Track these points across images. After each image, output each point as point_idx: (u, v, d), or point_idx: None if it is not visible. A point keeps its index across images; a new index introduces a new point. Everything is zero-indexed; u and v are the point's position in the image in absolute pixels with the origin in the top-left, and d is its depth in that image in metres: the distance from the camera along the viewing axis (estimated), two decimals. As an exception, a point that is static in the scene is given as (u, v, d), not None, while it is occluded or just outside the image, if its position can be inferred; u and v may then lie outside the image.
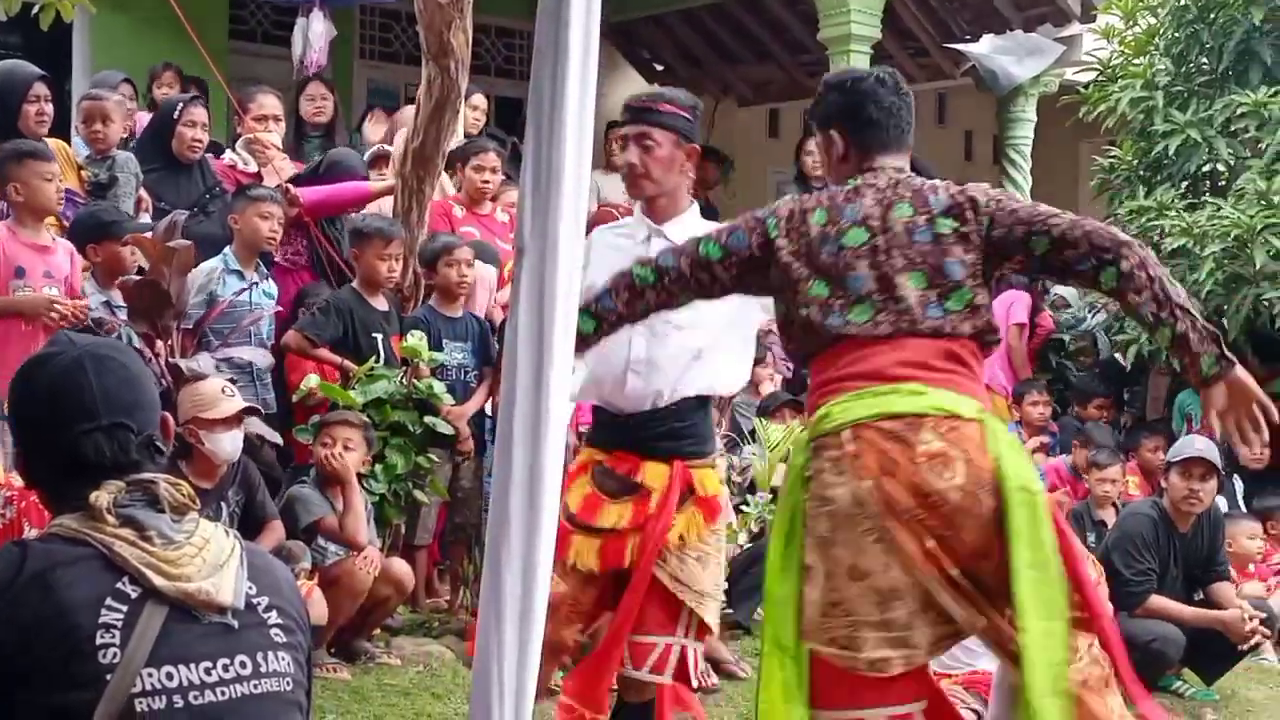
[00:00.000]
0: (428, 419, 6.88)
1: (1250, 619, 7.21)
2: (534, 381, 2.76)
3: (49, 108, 7.17)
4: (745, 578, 7.21)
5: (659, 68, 14.77)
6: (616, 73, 14.36)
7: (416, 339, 7.04)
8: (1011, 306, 10.29)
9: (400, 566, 6.57)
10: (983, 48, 12.45)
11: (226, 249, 7.23)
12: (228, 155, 8.60)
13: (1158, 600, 7.35)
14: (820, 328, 3.94)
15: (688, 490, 4.76)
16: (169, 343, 6.42)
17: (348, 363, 7.12)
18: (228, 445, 5.95)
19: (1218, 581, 7.59)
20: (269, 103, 8.72)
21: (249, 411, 6.11)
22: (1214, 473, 7.48)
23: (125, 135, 8.01)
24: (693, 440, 4.78)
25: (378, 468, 6.70)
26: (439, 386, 6.92)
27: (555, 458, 2.85)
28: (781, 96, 15.09)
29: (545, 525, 2.80)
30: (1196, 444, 7.58)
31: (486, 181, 8.56)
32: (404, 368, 7.04)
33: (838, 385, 3.91)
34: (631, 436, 4.73)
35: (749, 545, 7.45)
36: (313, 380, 6.96)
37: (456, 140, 8.62)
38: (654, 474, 4.71)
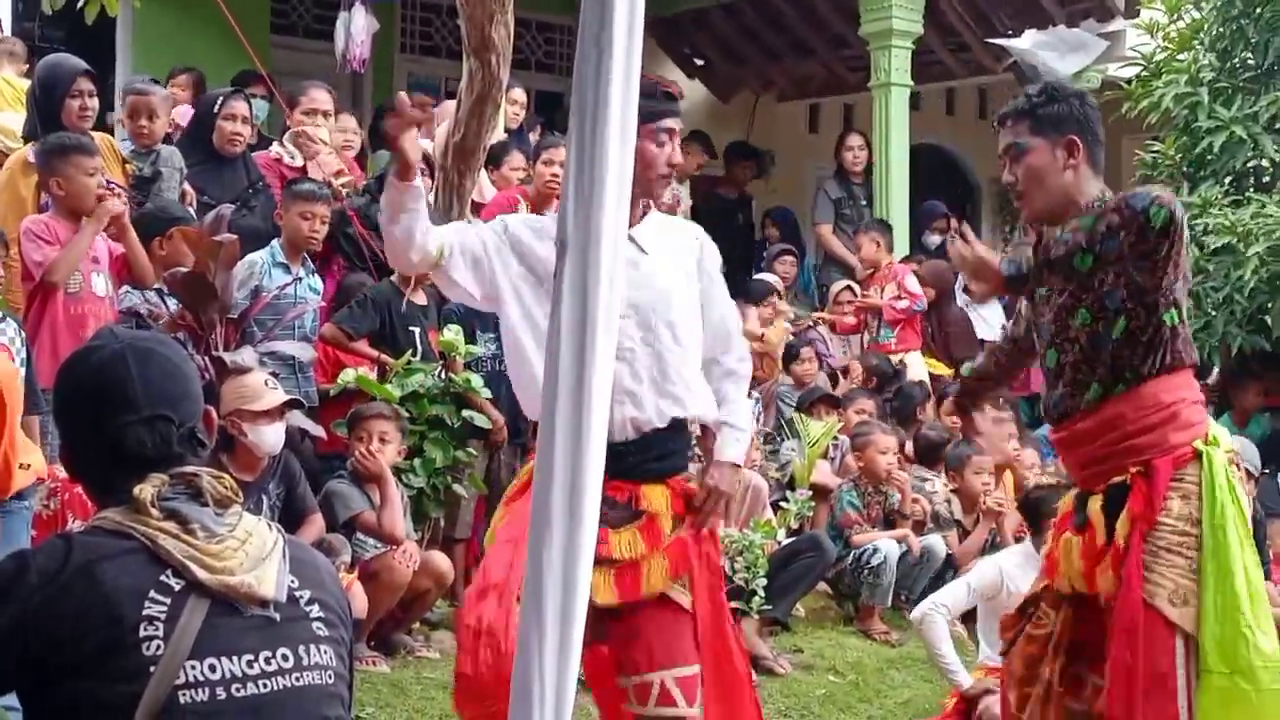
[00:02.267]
0: (465, 412, 6.88)
1: None
2: (576, 379, 2.76)
3: (93, 102, 7.20)
4: (783, 574, 7.20)
5: (699, 62, 14.74)
6: (656, 67, 14.34)
7: (453, 333, 7.06)
8: None
9: (440, 560, 6.58)
10: (1025, 43, 12.38)
11: (274, 242, 7.28)
12: (274, 148, 8.63)
13: None
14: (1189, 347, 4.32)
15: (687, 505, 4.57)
16: (213, 335, 6.45)
17: (385, 356, 7.15)
18: (270, 438, 5.97)
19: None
20: (320, 97, 8.76)
21: (291, 405, 6.14)
22: (1250, 477, 7.43)
23: (170, 130, 8.04)
24: (679, 455, 4.61)
25: (416, 461, 6.71)
26: (476, 380, 6.93)
27: (597, 456, 2.84)
28: (822, 91, 15.03)
29: (587, 525, 2.80)
30: (1249, 451, 7.51)
31: (556, 175, 8.52)
32: (441, 361, 7.06)
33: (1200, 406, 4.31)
34: (624, 464, 4.34)
35: (788, 541, 7.43)
36: (350, 374, 6.98)
37: (497, 135, 8.64)
38: (654, 497, 4.48)
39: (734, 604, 6.80)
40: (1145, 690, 4.11)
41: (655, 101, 4.38)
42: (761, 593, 6.88)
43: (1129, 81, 10.90)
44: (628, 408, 4.40)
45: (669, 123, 4.51)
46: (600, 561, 4.23)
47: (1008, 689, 4.68)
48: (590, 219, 2.76)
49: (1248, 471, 5.42)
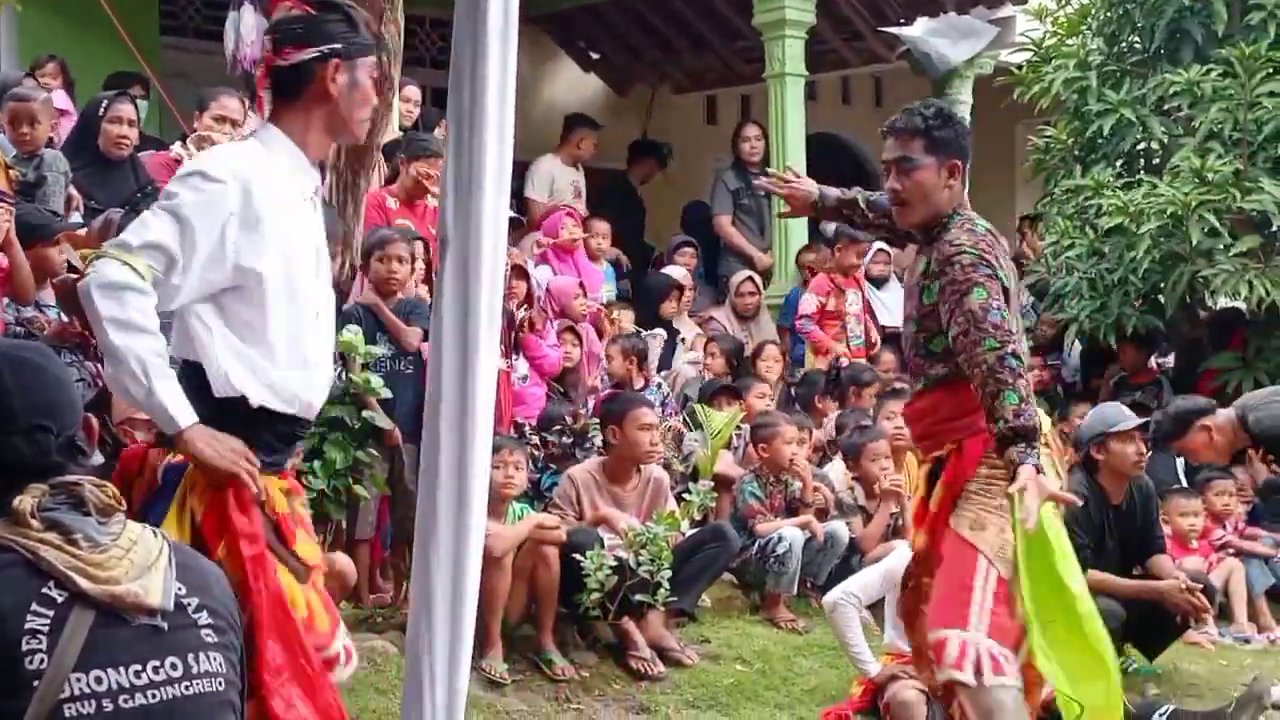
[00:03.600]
0: (365, 413, 6.83)
1: (1187, 590, 7.24)
2: (459, 372, 2.75)
3: None
4: (688, 565, 7.20)
5: (595, 56, 14.74)
6: (553, 63, 14.33)
7: (352, 333, 7.00)
8: None
9: (342, 561, 6.51)
10: (917, 30, 12.48)
11: None
12: (175, 149, 8.53)
13: (1095, 575, 7.37)
14: None
15: None
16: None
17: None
18: None
19: (1155, 555, 7.63)
20: (231, 105, 8.66)
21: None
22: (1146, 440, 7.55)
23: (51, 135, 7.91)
24: None
25: (316, 463, 6.64)
26: (376, 380, 6.88)
27: (483, 448, 2.84)
28: (718, 83, 15.09)
29: (474, 518, 2.79)
30: (1125, 411, 7.61)
31: (434, 178, 8.51)
32: (340, 362, 7.00)
33: None
34: None
35: (692, 532, 7.43)
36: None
37: (391, 133, 8.58)
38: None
39: (640, 596, 6.83)
40: (940, 595, 4.81)
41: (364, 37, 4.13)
42: (667, 584, 6.87)
43: (1020, 67, 11.03)
44: None
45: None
46: None
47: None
48: (470, 215, 2.76)
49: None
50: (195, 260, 3.64)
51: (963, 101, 12.66)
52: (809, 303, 10.59)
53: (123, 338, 3.51)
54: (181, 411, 3.56)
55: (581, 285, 9.42)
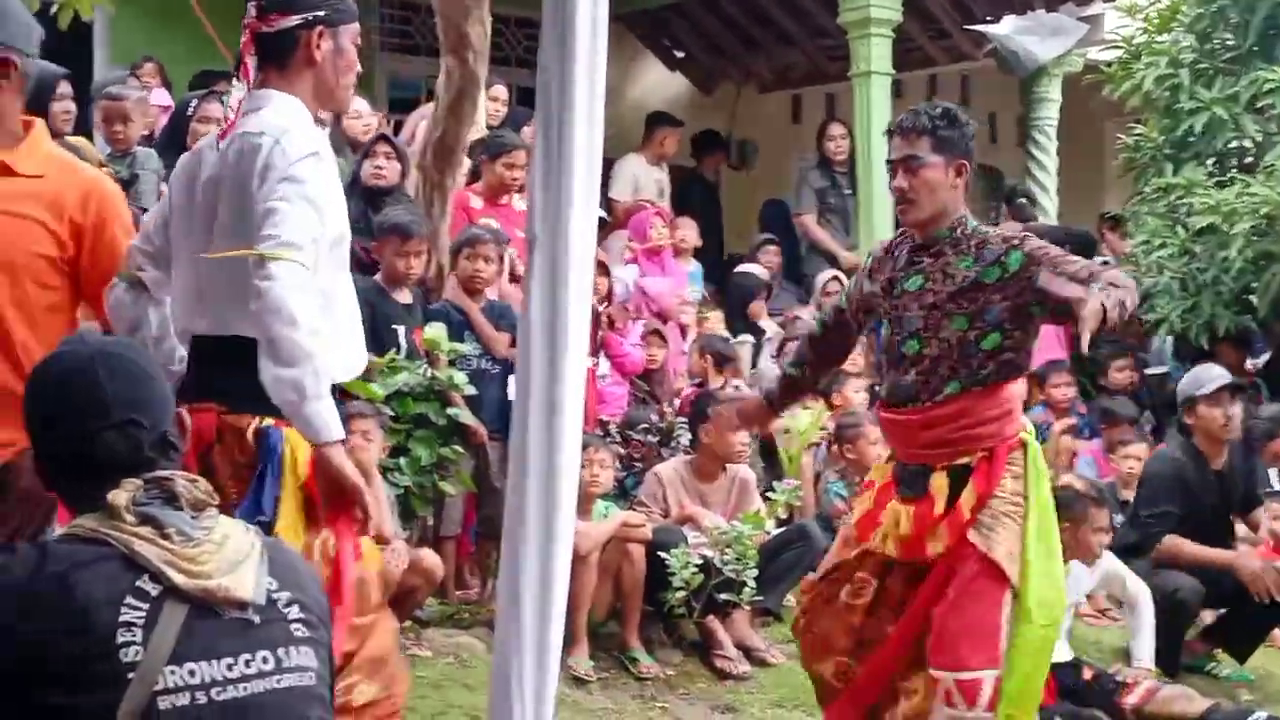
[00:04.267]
0: (450, 410, 6.87)
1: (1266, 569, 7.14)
2: (548, 372, 2.76)
3: (73, 106, 7.19)
4: (773, 564, 7.20)
5: (680, 55, 14.73)
6: (639, 61, 14.33)
7: (436, 330, 7.04)
8: None
9: (429, 557, 6.56)
10: (1005, 28, 12.37)
11: None
12: None
13: (1171, 541, 7.30)
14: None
15: None
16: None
17: (368, 355, 7.11)
18: None
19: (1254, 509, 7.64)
20: None
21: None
22: (1239, 393, 7.52)
23: (146, 132, 8.00)
24: None
25: (402, 460, 6.69)
26: (460, 377, 6.91)
27: (572, 447, 2.84)
28: (803, 82, 15.02)
29: (563, 516, 2.80)
30: (1214, 371, 7.55)
31: (516, 178, 8.57)
32: (425, 359, 7.04)
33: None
34: None
35: (778, 531, 7.42)
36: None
37: (478, 131, 8.63)
38: None
39: (725, 595, 6.83)
40: (969, 630, 4.73)
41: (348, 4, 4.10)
42: (752, 583, 6.87)
43: (1109, 64, 10.90)
44: None
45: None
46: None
47: (816, 661, 5.20)
48: (559, 214, 2.77)
49: None
50: (324, 243, 3.68)
51: (1051, 99, 12.56)
52: None
53: (313, 342, 3.50)
54: (335, 423, 3.56)
55: (668, 284, 9.43)
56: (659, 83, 14.53)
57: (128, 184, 7.45)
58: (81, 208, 4.02)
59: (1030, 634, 4.77)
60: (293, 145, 3.67)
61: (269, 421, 3.68)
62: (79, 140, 7.27)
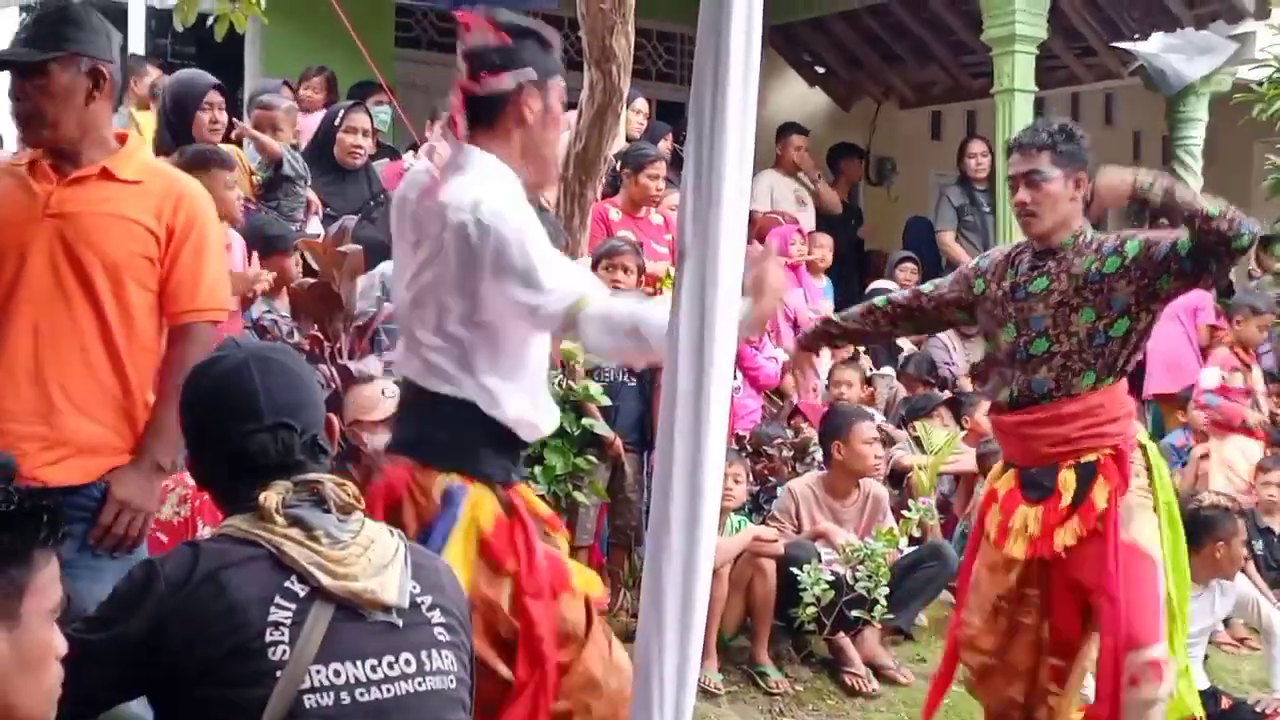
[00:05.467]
0: (585, 420, 6.91)
1: None
2: (695, 384, 2.77)
3: (222, 115, 7.35)
4: (906, 583, 7.17)
5: (820, 70, 14.71)
6: (777, 76, 14.32)
7: (573, 341, 7.08)
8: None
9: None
10: (1152, 46, 12.20)
11: None
12: (406, 159, 8.73)
13: None
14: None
15: None
16: (338, 345, 6.52)
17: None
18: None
19: None
20: None
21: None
22: None
23: (294, 143, 8.13)
24: None
25: (536, 469, 6.73)
26: (595, 388, 6.95)
27: (716, 461, 2.86)
28: (944, 98, 14.93)
29: (705, 528, 2.81)
30: None
31: (660, 190, 8.64)
32: (561, 369, 7.09)
33: None
34: None
35: (910, 550, 7.39)
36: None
37: (619, 144, 8.67)
38: None
39: (856, 612, 6.81)
40: (1139, 611, 4.90)
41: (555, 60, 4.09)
42: (883, 601, 6.84)
43: (1260, 84, 10.72)
44: None
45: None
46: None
47: (1006, 688, 5.29)
48: (709, 227, 2.78)
49: None
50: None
51: (1197, 119, 12.37)
52: (1211, 377, 9.83)
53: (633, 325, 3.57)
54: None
55: (806, 299, 9.42)
56: (798, 98, 14.52)
57: (270, 187, 7.59)
58: (175, 210, 4.13)
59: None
60: (497, 200, 3.69)
61: (455, 479, 3.71)
62: (230, 148, 7.41)
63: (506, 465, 3.80)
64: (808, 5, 13.39)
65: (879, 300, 5.72)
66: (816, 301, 9.96)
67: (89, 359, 4.05)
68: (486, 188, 3.69)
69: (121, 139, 4.22)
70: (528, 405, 3.79)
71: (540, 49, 3.88)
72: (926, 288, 5.64)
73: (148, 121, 8.01)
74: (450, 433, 3.71)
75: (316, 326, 6.50)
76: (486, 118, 3.85)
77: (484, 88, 3.83)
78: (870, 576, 6.82)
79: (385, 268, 7.25)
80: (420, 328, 3.78)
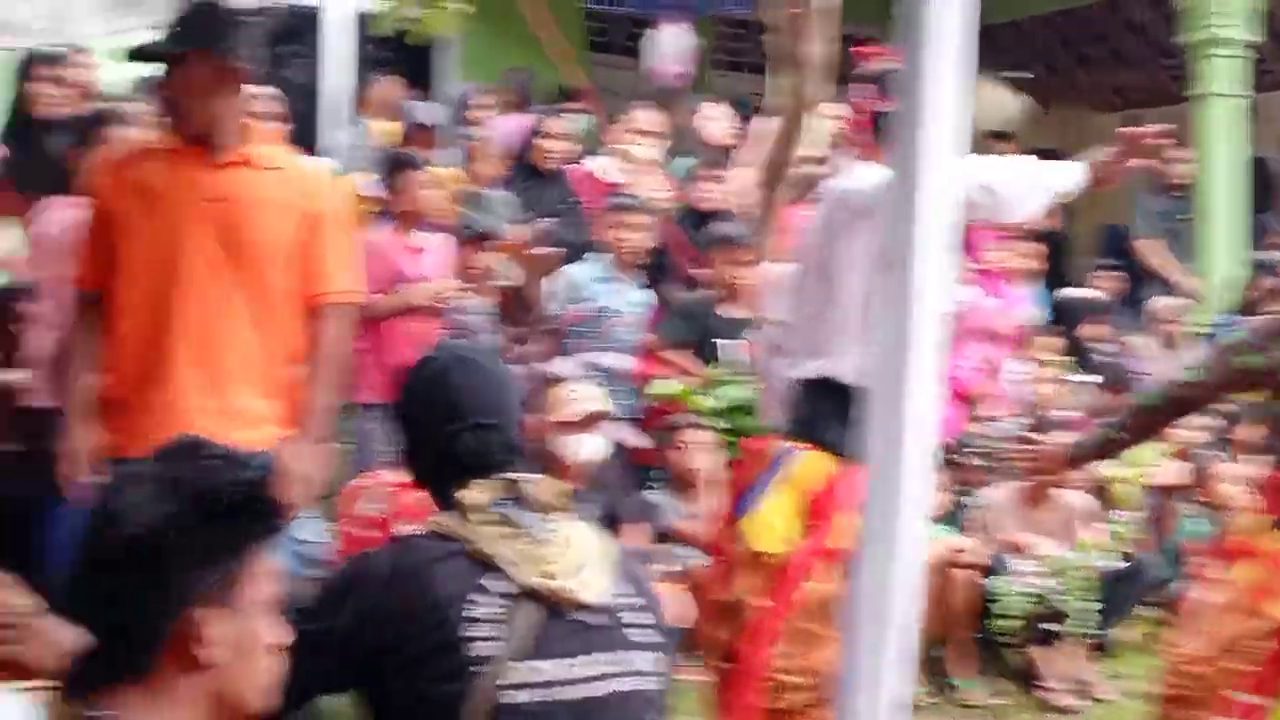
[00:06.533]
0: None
1: None
2: (894, 394, 2.76)
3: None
4: (1105, 597, 7.02)
5: (1019, 75, 14.53)
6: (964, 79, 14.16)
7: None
8: None
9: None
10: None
11: (607, 256, 7.46)
12: (588, 163, 8.81)
13: None
14: None
15: None
16: (532, 346, 6.59)
17: (698, 368, 7.21)
18: (575, 447, 6.00)
19: None
20: (644, 117, 8.92)
21: (598, 415, 6.15)
22: None
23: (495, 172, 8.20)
24: None
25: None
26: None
27: (919, 470, 2.83)
28: (1142, 102, 14.62)
29: (908, 537, 2.79)
30: None
31: None
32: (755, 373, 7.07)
33: None
34: None
35: (1112, 564, 7.23)
36: (669, 385, 7.04)
37: (809, 149, 8.64)
38: None
39: (1054, 626, 6.69)
40: None
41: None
42: (1082, 616, 6.72)
43: None
44: None
45: None
46: None
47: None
48: (911, 232, 2.77)
49: None
50: None
51: None
52: None
53: None
54: None
55: (1003, 306, 9.29)
56: (996, 103, 14.35)
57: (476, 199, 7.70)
58: (315, 195, 4.41)
59: None
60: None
61: (790, 444, 4.17)
62: (448, 171, 7.59)
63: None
64: (1004, 8, 13.23)
65: (1148, 397, 5.19)
66: (1017, 310, 9.80)
67: (247, 335, 4.32)
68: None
69: (253, 128, 4.49)
70: None
71: None
72: (1198, 374, 5.03)
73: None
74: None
75: (510, 327, 6.57)
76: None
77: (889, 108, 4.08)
78: (1069, 590, 6.73)
79: (575, 270, 7.31)
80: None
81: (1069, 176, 3.93)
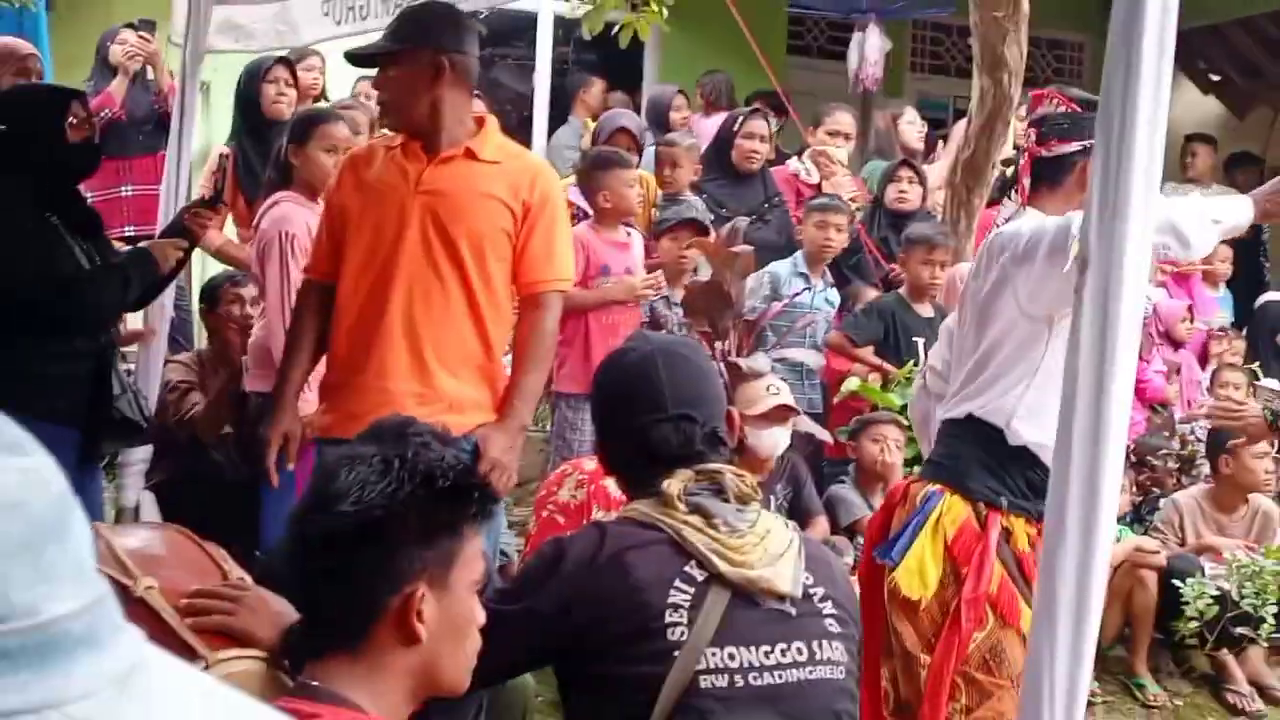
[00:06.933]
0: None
1: None
2: (1095, 392, 2.79)
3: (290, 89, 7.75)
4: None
5: (1215, 78, 14.27)
6: (1172, 84, 13.93)
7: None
8: None
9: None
10: None
11: (796, 254, 7.59)
12: (791, 164, 8.89)
13: None
14: None
15: None
16: (727, 341, 6.69)
17: (887, 365, 7.27)
18: (766, 441, 6.03)
19: None
20: (843, 120, 9.01)
21: (788, 410, 6.22)
22: None
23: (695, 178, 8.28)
24: None
25: (915, 470, 6.76)
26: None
27: (1114, 468, 2.87)
28: (1344, 105, 14.31)
29: (1102, 533, 2.83)
30: None
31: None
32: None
33: None
34: None
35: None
36: (853, 382, 7.10)
37: (1006, 150, 8.63)
38: None
39: (1241, 629, 6.63)
40: None
41: None
42: (1271, 620, 6.65)
43: None
44: None
45: None
46: None
47: None
48: (1114, 233, 2.80)
49: None
50: None
51: None
52: None
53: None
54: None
55: (1190, 310, 9.20)
56: (1191, 106, 14.13)
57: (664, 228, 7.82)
58: (530, 187, 4.48)
59: None
60: None
61: (936, 487, 4.14)
62: (642, 173, 7.72)
63: (996, 487, 4.08)
64: (1204, 12, 12.98)
65: None
66: (1210, 314, 9.70)
67: (455, 323, 4.44)
68: None
69: (480, 122, 4.60)
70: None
71: None
72: None
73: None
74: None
75: (707, 323, 6.67)
76: (1051, 179, 4.18)
77: (1050, 151, 4.17)
78: (1257, 594, 6.63)
79: (775, 268, 7.42)
80: None
81: (1236, 212, 3.92)
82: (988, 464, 4.06)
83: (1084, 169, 3.95)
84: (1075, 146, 4.09)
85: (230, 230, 7.41)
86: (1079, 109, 4.14)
